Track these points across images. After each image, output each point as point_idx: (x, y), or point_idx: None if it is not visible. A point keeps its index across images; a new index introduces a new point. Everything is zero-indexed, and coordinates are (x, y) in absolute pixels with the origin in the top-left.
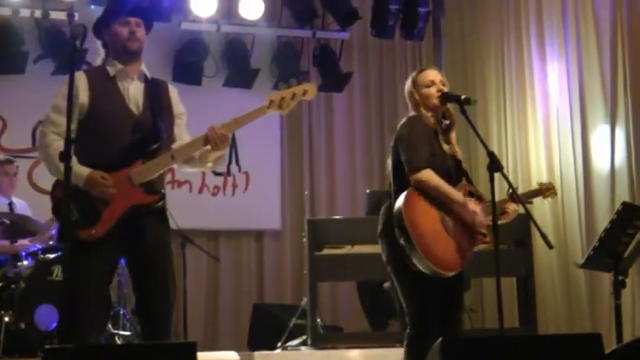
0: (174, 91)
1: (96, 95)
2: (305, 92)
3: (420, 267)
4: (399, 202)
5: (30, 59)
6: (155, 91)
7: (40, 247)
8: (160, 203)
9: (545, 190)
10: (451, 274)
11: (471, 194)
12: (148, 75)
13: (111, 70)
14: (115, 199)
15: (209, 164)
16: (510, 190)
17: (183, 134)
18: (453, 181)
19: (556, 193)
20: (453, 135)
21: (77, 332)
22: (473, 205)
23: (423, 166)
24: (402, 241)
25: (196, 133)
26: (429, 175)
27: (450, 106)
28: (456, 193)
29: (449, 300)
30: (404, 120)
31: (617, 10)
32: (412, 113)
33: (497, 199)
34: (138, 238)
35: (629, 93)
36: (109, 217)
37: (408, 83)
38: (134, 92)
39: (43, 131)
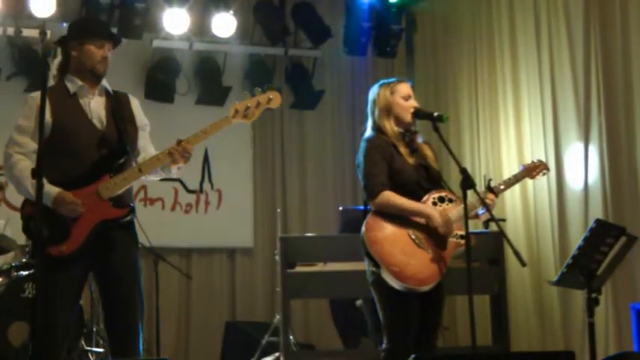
0: (135, 102)
1: (58, 113)
2: (269, 100)
3: (397, 287)
4: (362, 229)
5: (2, 76)
6: (117, 105)
7: (13, 264)
8: (129, 217)
9: (532, 170)
10: (430, 286)
11: (441, 199)
12: (109, 89)
13: (71, 87)
14: (83, 215)
15: (173, 170)
16: (488, 182)
17: (147, 146)
18: (423, 191)
19: (548, 169)
20: (419, 141)
21: (48, 349)
22: (430, 209)
23: (379, 190)
24: (372, 267)
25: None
26: (385, 197)
27: (423, 122)
28: (413, 205)
29: (426, 318)
30: (361, 143)
31: (591, 27)
32: (368, 134)
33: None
34: (106, 253)
35: (602, 110)
36: (78, 233)
37: (384, 88)
38: (96, 107)
39: (7, 152)
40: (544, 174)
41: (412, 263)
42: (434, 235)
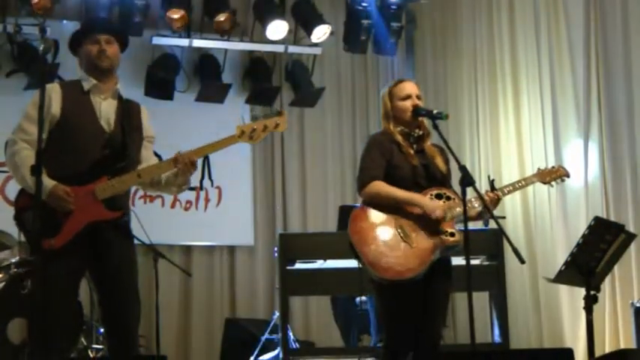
0: (145, 113)
1: (68, 108)
2: (277, 125)
3: (376, 279)
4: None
5: (2, 74)
6: (127, 111)
7: (14, 260)
8: (124, 219)
9: (547, 175)
10: (408, 277)
11: (439, 197)
12: (123, 94)
13: (85, 85)
14: (76, 213)
15: (174, 189)
16: (492, 182)
17: (149, 157)
18: (420, 189)
19: (567, 175)
20: (428, 144)
21: (45, 343)
22: (421, 197)
23: (368, 181)
24: (355, 258)
25: (169, 147)
26: (374, 187)
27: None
28: (402, 193)
29: (428, 318)
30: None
31: (591, 23)
32: (377, 130)
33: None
34: (102, 253)
35: (602, 107)
36: (68, 229)
37: (385, 92)
38: (106, 109)
39: (13, 139)
40: (562, 180)
41: (391, 255)
42: (421, 230)
